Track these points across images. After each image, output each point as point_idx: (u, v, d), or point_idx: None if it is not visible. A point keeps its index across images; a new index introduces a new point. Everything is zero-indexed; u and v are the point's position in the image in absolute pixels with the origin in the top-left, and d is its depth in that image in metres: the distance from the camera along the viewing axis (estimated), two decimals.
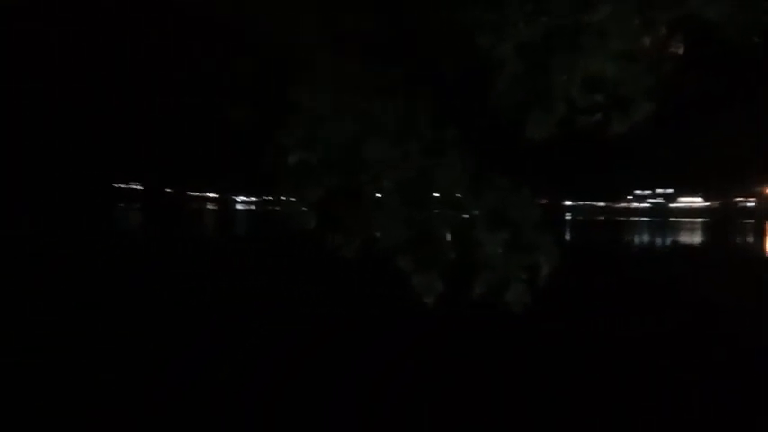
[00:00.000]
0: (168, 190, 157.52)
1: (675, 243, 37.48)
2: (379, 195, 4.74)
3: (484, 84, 4.00)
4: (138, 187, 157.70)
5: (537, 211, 4.88)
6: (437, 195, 4.82)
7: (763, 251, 33.30)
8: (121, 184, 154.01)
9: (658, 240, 40.64)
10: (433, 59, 4.38)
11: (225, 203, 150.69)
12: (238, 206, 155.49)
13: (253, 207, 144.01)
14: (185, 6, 4.99)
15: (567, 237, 43.46)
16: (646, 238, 44.77)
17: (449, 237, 4.90)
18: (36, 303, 10.39)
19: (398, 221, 4.65)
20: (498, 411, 6.12)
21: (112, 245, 24.86)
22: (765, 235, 50.10)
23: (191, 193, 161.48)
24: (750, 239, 44.50)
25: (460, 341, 8.83)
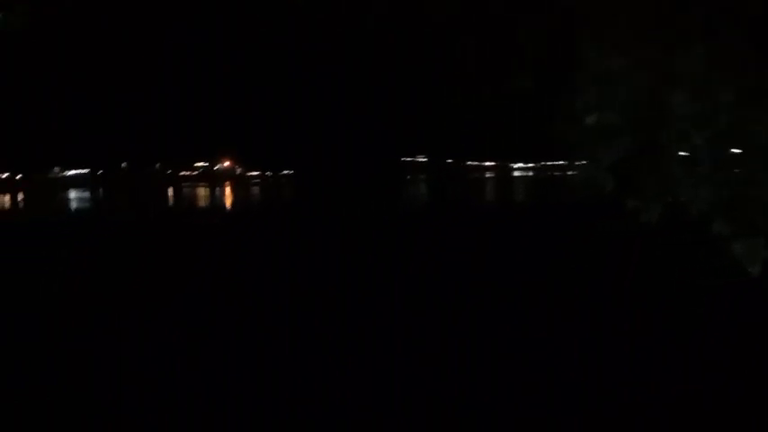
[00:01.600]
0: (449, 161, 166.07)
1: None
2: (684, 153, 4.35)
3: None
4: (423, 160, 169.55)
5: None
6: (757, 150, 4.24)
7: None
8: (408, 157, 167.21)
9: None
10: None
11: (503, 170, 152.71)
12: (516, 173, 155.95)
13: (530, 173, 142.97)
14: None
15: None
16: None
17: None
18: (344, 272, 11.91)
19: (710, 182, 4.23)
20: None
21: (401, 214, 27.25)
22: None
23: (470, 163, 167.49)
24: None
25: None
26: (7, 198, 66.54)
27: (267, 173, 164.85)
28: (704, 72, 3.93)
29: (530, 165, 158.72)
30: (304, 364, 6.03)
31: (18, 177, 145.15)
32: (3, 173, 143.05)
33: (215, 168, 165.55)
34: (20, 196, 72.71)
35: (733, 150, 4.11)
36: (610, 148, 4.27)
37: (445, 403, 4.88)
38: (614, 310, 7.72)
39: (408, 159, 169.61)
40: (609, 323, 7.22)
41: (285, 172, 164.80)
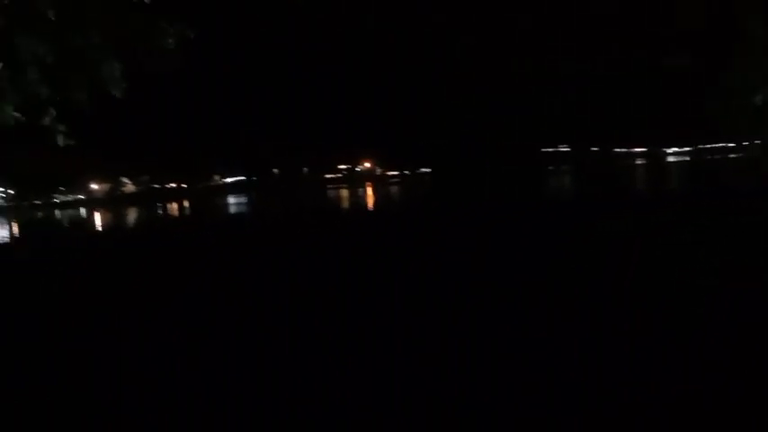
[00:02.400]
0: (594, 149, 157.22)
1: None
2: None
3: None
4: (566, 149, 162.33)
5: None
6: None
7: None
8: (549, 147, 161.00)
9: None
10: None
11: (656, 156, 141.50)
12: (670, 158, 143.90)
13: (686, 158, 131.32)
14: None
15: None
16: None
17: None
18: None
19: None
20: None
21: (538, 206, 26.24)
22: None
23: (618, 150, 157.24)
24: None
25: None
26: (175, 205, 74.26)
27: (405, 172, 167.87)
28: None
29: (685, 149, 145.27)
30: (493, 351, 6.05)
31: (185, 186, 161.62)
32: (170, 183, 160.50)
33: (356, 170, 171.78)
34: (185, 203, 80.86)
35: None
36: None
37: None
38: None
39: (550, 150, 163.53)
40: None
41: (423, 170, 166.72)
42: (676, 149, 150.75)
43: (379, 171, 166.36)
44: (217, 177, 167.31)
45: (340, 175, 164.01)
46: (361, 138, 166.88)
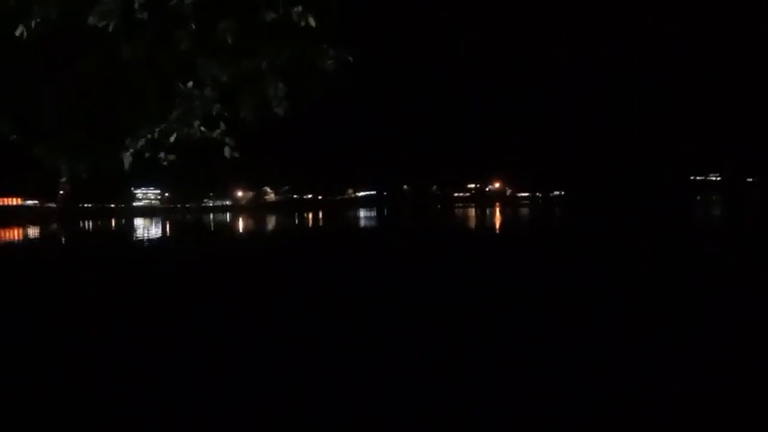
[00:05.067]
0: (749, 179, 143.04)
1: None
2: None
3: None
4: (716, 178, 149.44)
5: None
6: None
7: None
8: (699, 176, 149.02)
9: None
10: None
11: None
12: None
13: None
14: None
15: None
16: None
17: None
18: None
19: None
20: None
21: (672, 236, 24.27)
22: None
23: None
24: None
25: None
26: (311, 215, 77.86)
27: (537, 193, 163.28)
28: None
29: None
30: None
31: (320, 197, 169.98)
32: (308, 194, 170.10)
33: (486, 189, 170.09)
34: (320, 213, 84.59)
35: None
36: None
37: None
38: None
39: (699, 178, 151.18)
40: None
41: (556, 192, 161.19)
42: None
43: (509, 191, 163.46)
44: (350, 191, 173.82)
45: (468, 194, 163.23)
46: (493, 157, 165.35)
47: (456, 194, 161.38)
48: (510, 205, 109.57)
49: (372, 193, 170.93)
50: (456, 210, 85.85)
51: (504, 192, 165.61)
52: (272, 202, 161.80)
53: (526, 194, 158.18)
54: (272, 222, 56.82)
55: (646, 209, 57.07)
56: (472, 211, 73.72)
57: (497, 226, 38.83)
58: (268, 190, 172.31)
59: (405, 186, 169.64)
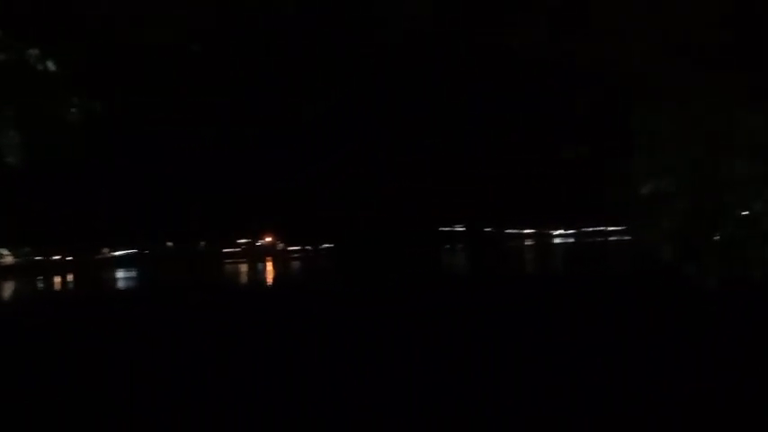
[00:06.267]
0: (487, 229, 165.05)
1: None
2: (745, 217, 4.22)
3: None
4: (461, 229, 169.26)
5: None
6: None
7: None
8: (446, 227, 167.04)
9: None
10: None
11: (542, 238, 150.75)
12: (556, 239, 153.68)
13: (571, 240, 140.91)
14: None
15: None
16: None
17: None
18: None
19: None
20: None
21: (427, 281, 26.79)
22: None
23: (509, 231, 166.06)
24: None
25: None
26: (58, 279, 68.66)
27: (307, 247, 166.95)
28: (759, 134, 3.83)
29: (570, 231, 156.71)
30: None
31: (69, 259, 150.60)
32: (54, 255, 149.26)
33: (257, 244, 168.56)
34: (69, 277, 74.97)
35: None
36: (668, 216, 4.14)
37: None
38: None
39: (446, 229, 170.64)
40: None
41: (325, 245, 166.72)
42: (562, 231, 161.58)
43: (280, 246, 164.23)
44: (105, 250, 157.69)
45: (239, 249, 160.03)
46: (262, 212, 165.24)
47: (226, 250, 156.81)
48: (280, 260, 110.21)
49: (132, 251, 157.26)
50: (226, 266, 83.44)
51: (275, 246, 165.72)
52: (8, 266, 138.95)
53: (297, 248, 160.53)
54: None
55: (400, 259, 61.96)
56: (242, 267, 72.35)
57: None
58: (4, 252, 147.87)
59: (169, 243, 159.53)
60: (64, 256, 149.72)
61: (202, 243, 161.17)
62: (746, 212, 4.14)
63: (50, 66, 3.84)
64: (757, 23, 4.02)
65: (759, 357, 6.20)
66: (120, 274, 76.55)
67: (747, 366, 5.96)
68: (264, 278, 42.97)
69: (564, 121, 5.21)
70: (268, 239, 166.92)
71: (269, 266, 71.17)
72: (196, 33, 4.41)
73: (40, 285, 54.94)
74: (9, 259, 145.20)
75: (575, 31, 4.20)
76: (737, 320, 7.68)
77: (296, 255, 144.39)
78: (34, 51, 3.87)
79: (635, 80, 4.32)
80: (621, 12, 4.07)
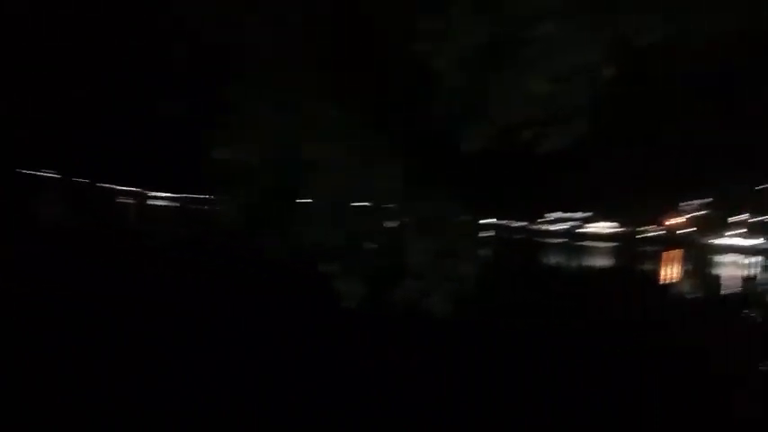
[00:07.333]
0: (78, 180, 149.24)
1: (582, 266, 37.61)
2: (311, 200, 4.67)
3: (424, 94, 4.01)
4: (52, 175, 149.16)
5: (466, 223, 4.94)
6: (368, 204, 4.80)
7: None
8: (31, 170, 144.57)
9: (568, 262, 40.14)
10: (379, 65, 4.36)
11: (142, 198, 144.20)
12: (159, 202, 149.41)
13: (177, 204, 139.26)
14: None
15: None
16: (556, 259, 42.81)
17: (376, 244, 4.90)
18: None
19: (329, 226, 4.61)
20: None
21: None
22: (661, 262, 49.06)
23: (103, 185, 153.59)
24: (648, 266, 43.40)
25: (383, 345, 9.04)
26: None
27: None
28: (334, 125, 4.28)
29: (175, 195, 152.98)
30: None
31: None
32: None
33: None
34: None
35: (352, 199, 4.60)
36: (247, 187, 4.29)
37: None
38: None
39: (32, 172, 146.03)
40: None
41: None
42: (167, 194, 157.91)
43: None
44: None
45: None
46: None
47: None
48: None
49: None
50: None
51: None
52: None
53: None
54: None
55: None
56: None
57: None
58: None
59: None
60: None
61: None
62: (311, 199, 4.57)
63: None
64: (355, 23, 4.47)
65: None
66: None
67: None
68: None
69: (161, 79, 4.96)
70: None
71: None
72: None
73: None
74: None
75: None
76: None
77: None
78: None
79: (237, 53, 4.34)
80: None
